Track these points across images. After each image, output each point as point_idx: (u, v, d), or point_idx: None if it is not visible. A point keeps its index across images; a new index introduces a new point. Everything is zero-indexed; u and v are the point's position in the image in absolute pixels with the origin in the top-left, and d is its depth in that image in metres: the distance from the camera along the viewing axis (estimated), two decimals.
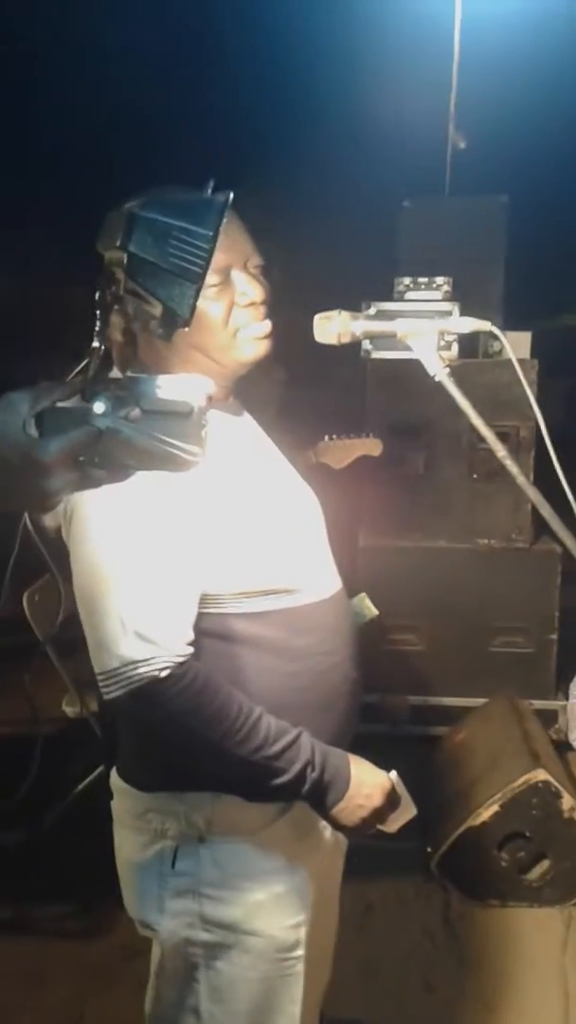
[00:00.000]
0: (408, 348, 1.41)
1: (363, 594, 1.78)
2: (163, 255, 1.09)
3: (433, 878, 2.86)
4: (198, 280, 1.09)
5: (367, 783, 1.42)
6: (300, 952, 1.46)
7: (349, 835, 1.45)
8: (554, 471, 1.40)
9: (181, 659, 1.33)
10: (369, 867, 2.71)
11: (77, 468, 0.85)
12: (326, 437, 2.58)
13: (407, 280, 3.35)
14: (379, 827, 1.52)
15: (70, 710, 3.04)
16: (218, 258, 1.38)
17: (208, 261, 1.06)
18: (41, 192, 5.61)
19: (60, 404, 0.87)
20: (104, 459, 0.86)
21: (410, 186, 4.36)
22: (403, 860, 2.87)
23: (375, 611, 1.76)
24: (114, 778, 1.52)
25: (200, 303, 1.34)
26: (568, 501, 1.39)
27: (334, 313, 1.40)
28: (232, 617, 1.39)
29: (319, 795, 1.38)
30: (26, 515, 1.17)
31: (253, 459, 1.50)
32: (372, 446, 2.64)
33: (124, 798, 1.50)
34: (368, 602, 1.77)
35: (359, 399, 3.82)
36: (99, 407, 0.86)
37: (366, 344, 3.59)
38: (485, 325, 1.38)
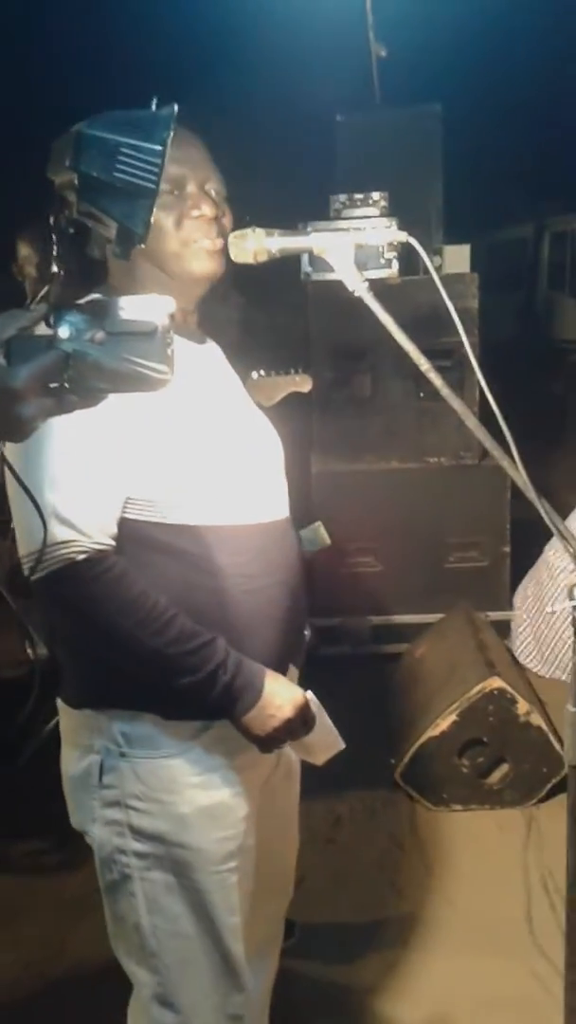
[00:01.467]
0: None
1: (319, 523, 1.79)
2: (113, 173, 1.08)
3: (398, 788, 2.95)
4: (151, 196, 1.08)
5: (279, 694, 1.44)
6: (233, 864, 1.50)
7: (260, 747, 1.47)
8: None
9: (100, 547, 1.36)
10: (336, 782, 2.79)
11: (49, 394, 0.87)
12: (254, 374, 2.56)
13: (343, 197, 3.28)
14: (307, 759, 1.57)
15: (33, 652, 3.05)
16: (172, 169, 1.39)
17: (159, 176, 1.06)
18: None
19: (25, 332, 0.87)
20: (75, 383, 0.87)
21: (344, 101, 4.26)
22: (369, 773, 2.96)
23: (327, 540, 1.78)
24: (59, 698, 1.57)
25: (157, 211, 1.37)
26: (499, 420, 1.40)
27: (248, 231, 1.39)
28: (156, 526, 1.41)
29: (230, 700, 1.41)
30: (3, 447, 1.17)
31: (207, 384, 1.52)
32: (301, 382, 2.63)
33: (62, 715, 1.55)
34: (323, 531, 1.78)
35: (304, 322, 3.78)
36: (64, 331, 0.87)
37: (305, 267, 3.55)
38: (400, 236, 1.37)
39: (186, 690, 1.40)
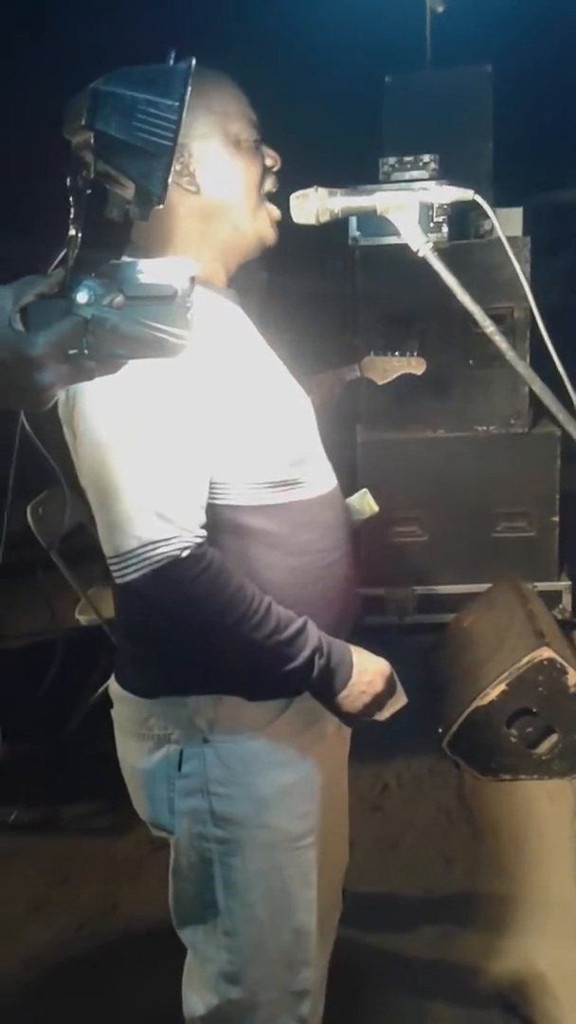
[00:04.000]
0: (397, 233, 1.36)
1: (365, 490, 1.77)
2: (130, 130, 1.04)
3: (445, 757, 2.94)
4: (168, 154, 1.05)
5: (369, 670, 1.43)
6: (312, 839, 1.49)
7: (350, 722, 1.47)
8: (553, 353, 1.37)
9: (199, 540, 1.31)
10: (383, 750, 2.80)
11: (68, 361, 0.85)
12: (372, 352, 2.58)
13: (392, 160, 3.23)
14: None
15: (83, 618, 3.09)
16: (251, 115, 1.41)
17: (176, 133, 1.01)
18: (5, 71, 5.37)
19: (43, 297, 0.86)
20: (93, 350, 0.85)
21: (392, 61, 4.17)
22: (416, 742, 2.96)
23: (375, 507, 1.76)
24: (113, 686, 1.51)
25: (238, 158, 1.39)
26: (564, 383, 1.36)
27: (310, 191, 1.36)
28: (237, 509, 1.37)
29: (326, 682, 1.39)
30: (23, 417, 1.15)
31: (253, 349, 1.47)
32: (416, 365, 2.64)
33: (124, 705, 1.49)
34: (370, 498, 1.76)
35: (351, 287, 3.74)
36: (82, 296, 0.85)
37: (353, 231, 3.50)
38: (467, 194, 1.33)
39: (286, 677, 1.37)
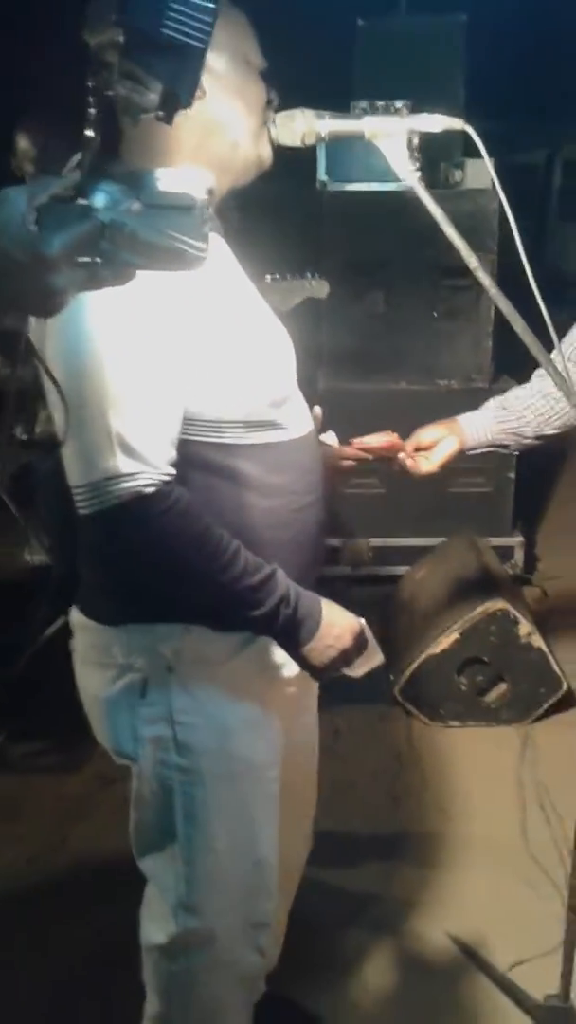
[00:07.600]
0: (366, 177, 1.35)
1: (331, 432, 1.77)
2: (162, 30, 1.00)
3: (396, 704, 2.98)
4: (200, 56, 1.01)
5: (338, 624, 1.41)
6: (274, 773, 1.49)
7: (316, 676, 1.46)
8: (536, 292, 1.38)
9: (167, 478, 1.28)
10: (336, 696, 2.81)
11: (81, 267, 0.83)
12: (268, 277, 2.49)
13: (363, 104, 3.16)
14: (345, 671, 1.52)
15: (33, 558, 3.05)
16: (258, 47, 1.37)
17: (209, 36, 0.97)
18: None
19: (58, 199, 0.83)
20: (107, 256, 0.83)
21: (366, 6, 4.10)
22: (368, 688, 2.97)
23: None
24: (75, 615, 1.48)
25: (244, 81, 1.34)
26: (547, 326, 1.37)
27: (297, 111, 1.35)
28: (211, 446, 1.34)
29: (291, 632, 1.38)
30: (30, 329, 1.11)
31: (237, 283, 1.43)
32: (318, 288, 2.55)
33: (86, 634, 1.47)
34: (335, 438, 1.76)
35: (316, 233, 3.69)
36: (99, 200, 0.82)
37: (321, 175, 3.46)
38: (457, 123, 1.33)
39: (250, 621, 1.36)
